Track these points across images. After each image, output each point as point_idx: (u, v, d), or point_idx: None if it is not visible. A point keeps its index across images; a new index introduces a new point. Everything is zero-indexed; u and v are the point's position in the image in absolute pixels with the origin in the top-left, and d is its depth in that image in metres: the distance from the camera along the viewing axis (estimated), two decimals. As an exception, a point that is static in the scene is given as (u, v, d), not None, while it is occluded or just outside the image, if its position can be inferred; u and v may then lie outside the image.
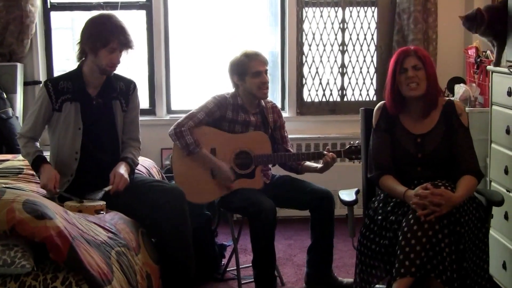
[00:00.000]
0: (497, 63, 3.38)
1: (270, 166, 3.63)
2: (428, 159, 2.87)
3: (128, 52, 3.12)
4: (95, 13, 3.24)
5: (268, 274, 3.34)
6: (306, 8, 4.86)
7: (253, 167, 3.46)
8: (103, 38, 3.01)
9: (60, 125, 3.11)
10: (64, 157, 3.12)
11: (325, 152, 3.44)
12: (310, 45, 4.90)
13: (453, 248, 2.56)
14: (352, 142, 3.53)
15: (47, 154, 3.19)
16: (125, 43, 3.07)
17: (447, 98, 3.12)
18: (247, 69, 3.44)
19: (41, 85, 3.21)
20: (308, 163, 3.57)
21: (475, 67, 4.18)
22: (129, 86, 3.26)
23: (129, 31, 3.10)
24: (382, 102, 3.02)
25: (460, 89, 4.13)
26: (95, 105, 3.14)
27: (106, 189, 3.03)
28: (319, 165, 3.50)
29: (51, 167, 3.07)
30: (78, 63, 3.16)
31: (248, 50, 3.52)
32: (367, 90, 5.00)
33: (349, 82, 4.98)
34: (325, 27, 4.89)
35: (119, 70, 3.26)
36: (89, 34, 3.05)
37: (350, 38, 4.93)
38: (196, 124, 3.43)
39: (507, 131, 3.13)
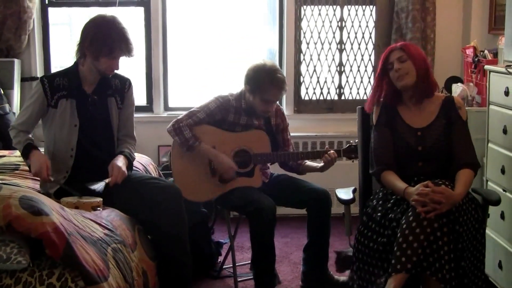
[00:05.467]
0: None
1: (268, 165, 3.62)
2: (429, 152, 2.87)
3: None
4: (93, 9, 3.23)
5: (268, 272, 3.32)
6: (305, 6, 4.86)
7: (252, 165, 3.45)
8: (107, 47, 2.99)
9: (55, 121, 3.10)
10: (60, 153, 3.12)
11: (326, 149, 3.44)
12: (308, 43, 4.90)
13: (451, 247, 2.57)
14: (351, 142, 3.51)
15: (41, 150, 3.17)
16: (127, 52, 3.06)
17: (447, 94, 3.12)
18: (261, 91, 3.33)
19: (37, 81, 3.18)
20: (308, 163, 3.56)
21: (473, 66, 4.18)
22: (125, 84, 3.25)
23: (131, 38, 3.08)
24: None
25: (457, 89, 4.13)
26: (91, 102, 3.13)
27: (107, 180, 3.04)
28: (319, 164, 3.49)
29: (41, 153, 3.05)
30: (75, 60, 3.15)
31: (275, 71, 3.34)
32: (365, 89, 5.01)
33: (347, 81, 4.98)
34: (323, 25, 4.89)
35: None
36: (92, 38, 3.00)
37: (348, 37, 4.93)
38: (195, 123, 3.40)
39: (504, 131, 3.13)
